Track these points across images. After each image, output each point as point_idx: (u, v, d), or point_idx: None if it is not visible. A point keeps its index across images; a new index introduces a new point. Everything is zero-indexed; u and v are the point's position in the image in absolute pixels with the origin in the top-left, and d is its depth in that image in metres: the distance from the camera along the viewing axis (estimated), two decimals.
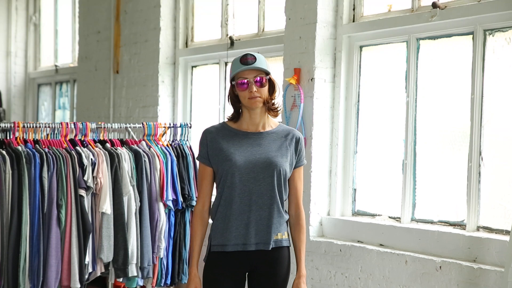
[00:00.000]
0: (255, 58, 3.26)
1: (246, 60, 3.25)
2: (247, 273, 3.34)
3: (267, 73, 3.29)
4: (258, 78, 3.25)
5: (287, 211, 3.38)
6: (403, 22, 4.53)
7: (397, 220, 4.59)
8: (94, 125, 4.81)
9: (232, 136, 3.30)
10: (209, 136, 3.33)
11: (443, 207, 4.39)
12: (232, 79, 3.29)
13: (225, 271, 3.27)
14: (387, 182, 4.72)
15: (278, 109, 3.36)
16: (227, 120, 3.41)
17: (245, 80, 3.24)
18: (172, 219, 4.88)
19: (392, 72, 4.69)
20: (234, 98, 3.33)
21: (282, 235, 3.31)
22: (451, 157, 4.37)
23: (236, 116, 3.35)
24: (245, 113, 3.32)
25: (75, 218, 4.42)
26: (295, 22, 4.98)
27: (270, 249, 3.28)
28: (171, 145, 5.02)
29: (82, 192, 4.46)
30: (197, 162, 3.55)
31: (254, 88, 3.23)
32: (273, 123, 3.37)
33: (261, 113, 3.31)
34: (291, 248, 3.43)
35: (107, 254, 4.54)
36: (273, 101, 3.33)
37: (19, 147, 4.38)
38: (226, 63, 5.95)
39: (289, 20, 5.03)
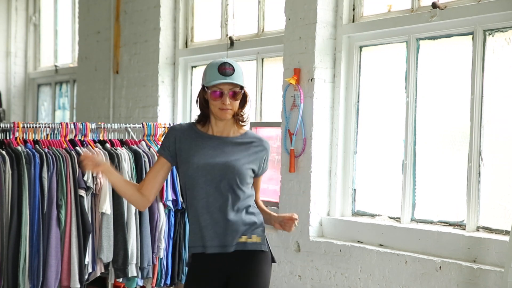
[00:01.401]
0: (233, 69, 3.19)
1: (224, 70, 3.18)
2: (226, 280, 3.24)
3: (242, 87, 3.23)
4: (233, 91, 3.19)
5: (254, 213, 3.26)
6: (403, 22, 4.53)
7: (397, 220, 4.59)
8: (94, 126, 4.81)
9: (196, 138, 3.25)
10: (175, 133, 3.27)
11: (443, 207, 4.39)
12: (205, 85, 3.23)
13: (203, 275, 3.23)
14: (387, 182, 4.72)
15: (245, 121, 3.31)
16: (195, 121, 3.35)
17: (219, 92, 3.18)
18: (172, 219, 4.88)
19: (392, 72, 4.69)
20: (203, 103, 3.26)
21: (248, 238, 3.20)
22: (451, 157, 4.37)
23: (203, 120, 3.29)
24: (212, 119, 3.27)
25: (75, 218, 4.42)
26: (295, 22, 4.98)
27: (229, 251, 3.17)
28: None
29: (82, 192, 4.46)
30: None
31: (228, 101, 3.18)
32: (241, 130, 3.31)
33: (228, 122, 3.27)
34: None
35: (107, 254, 4.54)
36: (242, 113, 3.28)
37: (19, 147, 4.38)
38: None
39: (289, 20, 5.03)
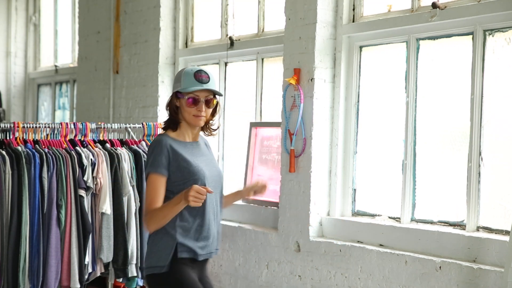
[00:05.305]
0: (209, 77, 3.30)
1: (201, 77, 3.28)
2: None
3: (216, 95, 3.35)
4: (208, 99, 3.31)
5: None
6: (403, 22, 4.53)
7: (397, 220, 4.59)
8: (94, 125, 4.82)
9: (184, 147, 3.33)
10: (168, 146, 3.28)
11: (443, 207, 4.39)
12: (178, 91, 3.31)
13: (193, 275, 3.29)
14: (387, 182, 4.72)
15: (215, 129, 3.46)
16: (163, 131, 3.43)
17: (195, 98, 3.28)
18: None
19: (392, 72, 4.69)
20: (175, 109, 3.35)
21: None
22: (451, 157, 4.37)
23: (172, 127, 3.37)
24: (184, 126, 3.37)
25: (75, 218, 4.42)
26: (295, 22, 4.98)
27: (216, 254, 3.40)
28: None
29: (82, 192, 4.46)
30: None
31: (203, 108, 3.29)
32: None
33: (198, 128, 3.40)
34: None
35: (107, 254, 4.55)
36: (213, 121, 3.42)
37: (19, 147, 4.38)
38: (226, 64, 5.95)
39: (289, 20, 5.03)
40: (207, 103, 3.30)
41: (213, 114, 3.41)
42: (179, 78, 3.32)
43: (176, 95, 3.32)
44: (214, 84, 3.32)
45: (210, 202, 3.28)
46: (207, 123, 3.39)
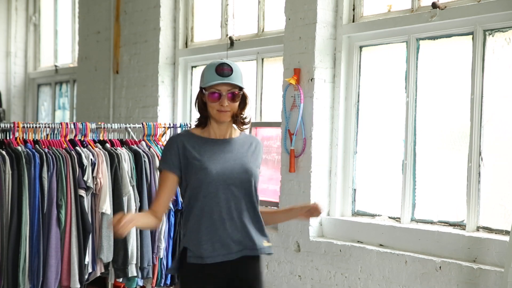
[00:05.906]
0: (231, 70, 3.14)
1: (222, 70, 3.13)
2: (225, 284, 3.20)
3: (241, 88, 3.18)
4: (232, 93, 3.14)
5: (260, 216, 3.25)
6: (403, 22, 4.53)
7: (397, 220, 4.59)
8: (94, 126, 4.82)
9: (202, 144, 3.18)
10: (177, 144, 3.16)
11: (443, 207, 4.39)
12: (202, 86, 3.18)
13: (206, 284, 3.13)
14: (387, 182, 4.72)
15: (247, 122, 3.27)
16: (193, 127, 3.29)
17: (217, 93, 3.13)
18: (172, 219, 4.88)
19: (392, 72, 4.69)
20: (202, 106, 3.20)
21: (267, 242, 3.19)
22: (451, 157, 4.37)
23: (203, 123, 3.23)
24: (212, 122, 3.21)
25: (75, 218, 4.42)
26: (295, 22, 4.98)
27: (257, 254, 3.17)
28: None
29: (82, 192, 4.46)
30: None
31: (226, 103, 3.12)
32: (237, 131, 3.28)
33: (228, 124, 3.23)
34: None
35: (107, 254, 4.55)
36: (243, 115, 3.23)
37: (19, 147, 4.38)
38: None
39: (289, 20, 5.03)
40: (232, 97, 3.13)
41: (243, 107, 3.22)
42: (203, 73, 3.20)
43: (201, 91, 3.19)
44: (237, 77, 3.14)
45: (221, 202, 3.13)
46: (237, 117, 3.21)
